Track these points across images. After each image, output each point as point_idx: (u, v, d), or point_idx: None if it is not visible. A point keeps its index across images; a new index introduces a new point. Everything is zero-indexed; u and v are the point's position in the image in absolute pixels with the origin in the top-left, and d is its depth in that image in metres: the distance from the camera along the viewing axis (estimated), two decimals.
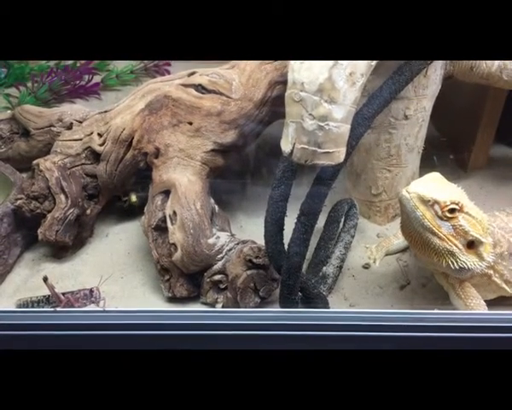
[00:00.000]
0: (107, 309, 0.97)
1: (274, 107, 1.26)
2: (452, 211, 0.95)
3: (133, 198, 1.27)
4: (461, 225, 0.96)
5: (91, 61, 1.83)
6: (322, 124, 0.88)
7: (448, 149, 1.56)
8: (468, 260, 0.97)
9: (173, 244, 1.12)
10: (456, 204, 0.95)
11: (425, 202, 0.95)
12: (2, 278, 1.18)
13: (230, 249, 1.13)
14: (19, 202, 1.19)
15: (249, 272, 1.08)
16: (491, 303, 1.05)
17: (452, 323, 0.91)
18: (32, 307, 1.09)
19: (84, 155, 1.28)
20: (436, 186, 0.98)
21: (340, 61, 0.87)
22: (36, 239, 1.21)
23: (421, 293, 1.17)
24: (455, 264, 0.97)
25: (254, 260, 1.08)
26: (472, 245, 0.98)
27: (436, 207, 0.95)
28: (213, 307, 1.13)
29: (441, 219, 0.96)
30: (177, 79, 1.30)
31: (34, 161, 1.25)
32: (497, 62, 1.21)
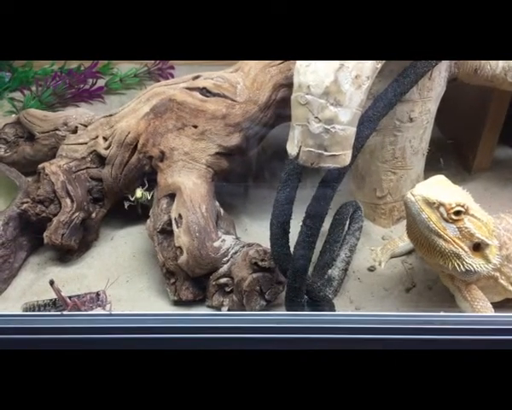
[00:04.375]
0: (113, 313, 0.97)
1: (278, 109, 1.27)
2: (458, 213, 0.95)
3: (138, 193, 1.25)
4: (466, 228, 0.96)
5: (95, 63, 1.83)
6: (328, 127, 0.88)
7: (453, 151, 1.56)
8: (475, 262, 0.97)
9: (179, 247, 1.12)
10: (462, 206, 0.95)
11: (430, 204, 0.95)
12: (8, 281, 1.18)
13: (236, 252, 1.13)
14: (24, 205, 1.19)
15: (255, 275, 1.08)
16: (497, 305, 1.05)
17: (458, 325, 0.91)
18: (39, 310, 1.09)
19: (89, 158, 1.28)
20: (441, 189, 0.98)
21: (345, 64, 0.88)
22: (41, 243, 1.21)
23: (426, 295, 1.17)
24: (461, 266, 0.97)
25: (260, 263, 1.08)
26: (478, 247, 0.98)
27: (442, 209, 0.95)
28: (219, 310, 1.13)
29: (447, 221, 0.96)
30: (182, 82, 1.30)
31: (40, 165, 1.25)
32: (501, 65, 1.21)
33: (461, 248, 0.96)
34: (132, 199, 1.27)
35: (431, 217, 0.95)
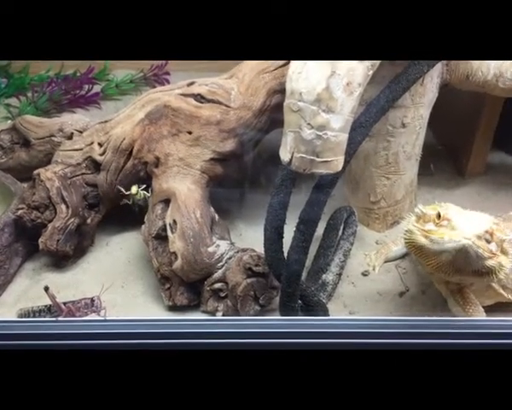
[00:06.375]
0: (108, 318, 0.98)
1: (273, 115, 1.27)
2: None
3: (134, 189, 1.23)
4: (498, 238, 0.96)
5: (91, 69, 1.84)
6: (320, 133, 0.89)
7: (447, 155, 1.58)
8: (506, 261, 0.97)
9: (173, 253, 1.13)
10: (496, 224, 0.96)
11: (480, 237, 0.94)
12: (3, 287, 1.18)
13: (230, 258, 1.13)
14: (20, 211, 1.20)
15: (249, 281, 1.09)
16: (488, 309, 1.05)
17: (451, 329, 0.91)
18: (34, 316, 1.09)
19: (84, 164, 1.28)
20: (470, 218, 0.97)
21: (337, 72, 0.88)
22: (37, 249, 1.21)
23: (420, 300, 1.17)
24: (501, 272, 0.96)
25: (254, 269, 1.09)
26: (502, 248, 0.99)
27: (487, 236, 0.94)
28: (214, 315, 1.13)
29: (489, 243, 0.95)
30: (177, 88, 1.30)
31: (35, 171, 1.25)
32: (492, 71, 1.22)
33: (499, 256, 0.96)
34: (128, 194, 1.24)
35: (484, 248, 0.94)
